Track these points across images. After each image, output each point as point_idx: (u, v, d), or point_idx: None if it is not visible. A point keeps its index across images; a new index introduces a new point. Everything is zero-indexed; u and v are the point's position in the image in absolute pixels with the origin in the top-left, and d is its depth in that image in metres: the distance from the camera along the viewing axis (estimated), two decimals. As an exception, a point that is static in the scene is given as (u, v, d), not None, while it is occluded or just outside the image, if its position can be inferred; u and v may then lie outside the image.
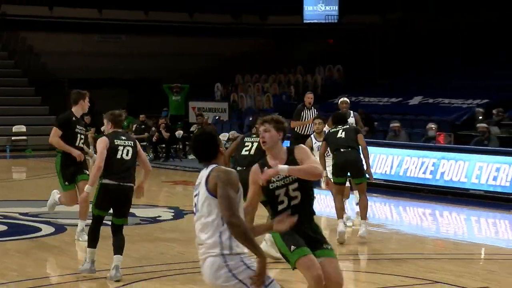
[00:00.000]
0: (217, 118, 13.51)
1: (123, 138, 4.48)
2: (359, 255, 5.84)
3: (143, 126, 13.22)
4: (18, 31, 15.40)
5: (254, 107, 13.66)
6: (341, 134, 5.78)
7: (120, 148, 4.38)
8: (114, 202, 4.38)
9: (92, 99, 6.93)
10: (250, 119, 10.35)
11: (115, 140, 4.37)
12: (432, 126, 10.22)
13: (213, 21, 15.87)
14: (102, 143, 4.37)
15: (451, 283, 4.44)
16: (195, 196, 2.36)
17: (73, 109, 5.50)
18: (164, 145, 12.63)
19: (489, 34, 13.64)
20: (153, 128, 12.88)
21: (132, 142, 4.51)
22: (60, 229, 6.60)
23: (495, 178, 8.26)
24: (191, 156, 12.01)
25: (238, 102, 13.89)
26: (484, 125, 9.58)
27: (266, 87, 14.61)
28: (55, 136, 5.37)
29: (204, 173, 2.31)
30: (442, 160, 8.77)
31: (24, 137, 13.43)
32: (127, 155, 4.41)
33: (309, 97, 8.73)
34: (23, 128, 13.48)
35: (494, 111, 10.51)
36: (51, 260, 5.56)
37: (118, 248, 4.36)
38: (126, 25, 15.16)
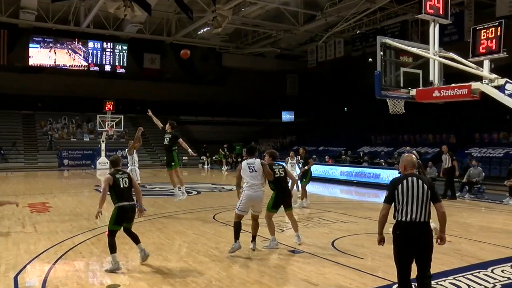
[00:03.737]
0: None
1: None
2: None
3: (227, 155, 41.41)
4: (185, 124, 44.45)
5: (266, 150, 41.81)
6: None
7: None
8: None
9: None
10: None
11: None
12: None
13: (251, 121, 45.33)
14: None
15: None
16: (252, 169, 7.95)
17: None
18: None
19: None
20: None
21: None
22: (199, 192, 27.23)
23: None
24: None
25: (260, 147, 42.28)
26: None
27: (268, 143, 43.07)
28: None
29: (256, 160, 7.98)
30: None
31: (186, 160, 41.51)
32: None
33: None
34: (186, 158, 41.66)
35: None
36: (195, 203, 22.80)
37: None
38: (221, 122, 44.25)
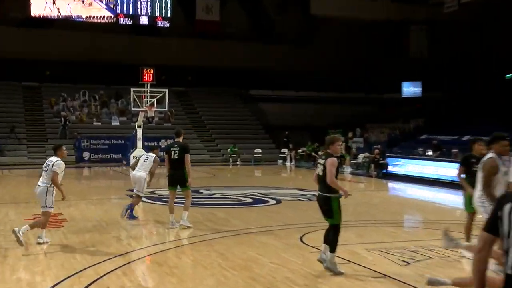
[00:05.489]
0: (357, 146, 40.99)
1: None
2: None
3: (316, 149, 41.18)
4: (257, 102, 44.88)
5: (377, 140, 41.09)
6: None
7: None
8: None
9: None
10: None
11: None
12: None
13: (354, 96, 44.85)
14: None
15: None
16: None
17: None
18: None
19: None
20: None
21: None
22: (278, 202, 18.93)
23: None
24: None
25: (368, 137, 41.63)
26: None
27: (382, 131, 42.39)
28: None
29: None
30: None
31: (260, 155, 41.23)
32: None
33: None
34: (259, 150, 41.39)
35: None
36: (273, 217, 15.53)
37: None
38: (309, 99, 43.96)
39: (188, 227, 13.46)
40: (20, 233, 10.92)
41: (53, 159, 11.45)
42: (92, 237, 12.46)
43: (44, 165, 11.57)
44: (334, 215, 9.42)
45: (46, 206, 11.27)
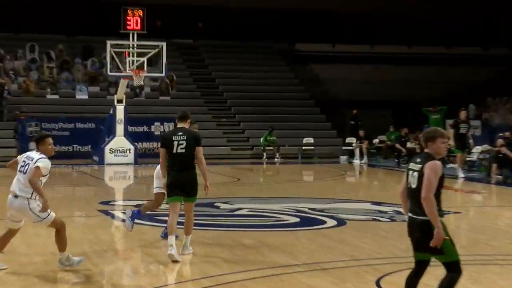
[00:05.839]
0: (471, 133, 40.39)
1: None
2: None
3: (404, 139, 40.56)
4: (307, 63, 45.09)
5: (503, 124, 40.52)
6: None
7: None
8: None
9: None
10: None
11: None
12: None
13: (465, 52, 44.51)
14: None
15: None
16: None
17: None
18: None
19: None
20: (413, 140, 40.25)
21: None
22: (341, 223, 18.98)
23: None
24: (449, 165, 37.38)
25: (489, 119, 41.18)
26: None
27: (514, 108, 41.95)
28: None
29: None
30: None
31: (312, 147, 40.53)
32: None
33: None
34: (311, 140, 40.80)
35: None
36: (333, 247, 15.37)
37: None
38: (392, 57, 43.94)
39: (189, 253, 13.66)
40: (66, 263, 12.39)
41: (35, 155, 12.07)
42: (42, 280, 12.31)
43: (21, 163, 12.19)
44: (444, 249, 8.98)
45: (43, 219, 12.07)
